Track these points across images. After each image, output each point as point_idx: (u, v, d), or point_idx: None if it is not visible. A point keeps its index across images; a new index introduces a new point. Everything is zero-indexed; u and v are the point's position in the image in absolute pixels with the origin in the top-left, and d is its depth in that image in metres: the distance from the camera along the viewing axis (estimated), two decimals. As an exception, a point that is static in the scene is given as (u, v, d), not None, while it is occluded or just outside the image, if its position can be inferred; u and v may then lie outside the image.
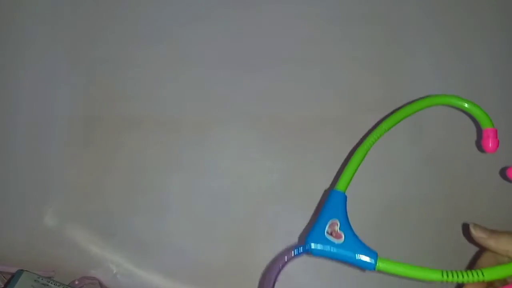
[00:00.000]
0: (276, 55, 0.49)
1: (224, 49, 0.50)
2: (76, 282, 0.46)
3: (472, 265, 0.41)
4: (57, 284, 0.44)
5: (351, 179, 0.36)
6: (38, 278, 0.43)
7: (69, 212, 0.48)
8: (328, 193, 0.35)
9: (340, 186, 0.35)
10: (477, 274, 0.31)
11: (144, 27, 0.50)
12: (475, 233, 0.37)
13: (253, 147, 0.49)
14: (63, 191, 0.49)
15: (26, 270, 0.44)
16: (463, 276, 0.31)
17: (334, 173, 0.49)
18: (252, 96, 0.49)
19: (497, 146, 0.36)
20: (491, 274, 0.31)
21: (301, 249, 0.33)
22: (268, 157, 0.49)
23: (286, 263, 0.33)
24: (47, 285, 0.43)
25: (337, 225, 0.33)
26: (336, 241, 0.32)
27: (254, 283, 0.49)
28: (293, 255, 0.33)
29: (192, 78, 0.50)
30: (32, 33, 0.50)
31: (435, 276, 0.31)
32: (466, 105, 0.38)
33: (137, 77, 0.49)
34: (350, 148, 0.47)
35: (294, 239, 0.49)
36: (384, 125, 0.38)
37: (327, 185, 0.48)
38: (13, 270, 0.44)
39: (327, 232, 0.33)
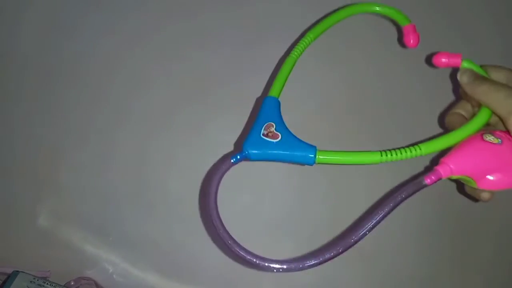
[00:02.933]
0: (271, 56, 0.49)
1: (219, 48, 0.50)
2: (72, 283, 0.46)
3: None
4: (53, 284, 0.44)
5: (283, 86, 0.35)
6: (34, 278, 0.43)
7: (64, 213, 0.48)
8: (262, 100, 0.34)
9: (273, 93, 0.34)
10: (415, 149, 0.31)
11: (143, 27, 0.50)
12: (459, 77, 0.34)
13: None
14: (58, 192, 0.49)
15: (22, 271, 0.44)
16: (401, 154, 0.31)
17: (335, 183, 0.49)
18: (246, 94, 0.49)
19: (418, 40, 0.37)
20: (428, 148, 0.31)
21: (238, 156, 0.31)
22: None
23: (224, 172, 0.32)
24: (43, 285, 0.43)
25: (273, 126, 0.32)
26: (273, 140, 0.32)
27: (250, 281, 0.50)
28: (231, 162, 0.32)
29: (188, 78, 0.49)
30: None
31: (375, 158, 0.31)
32: (377, 8, 0.39)
33: (132, 76, 0.49)
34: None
35: (289, 237, 0.49)
36: (310, 35, 0.38)
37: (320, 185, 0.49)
38: (9, 270, 0.44)
39: (263, 134, 0.32)
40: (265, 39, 0.49)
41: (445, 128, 0.37)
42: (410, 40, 0.37)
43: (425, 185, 0.30)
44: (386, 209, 0.29)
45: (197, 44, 0.49)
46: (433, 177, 0.30)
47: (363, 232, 0.29)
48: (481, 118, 0.32)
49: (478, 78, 0.33)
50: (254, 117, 0.33)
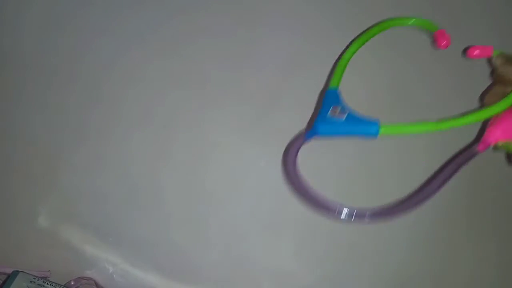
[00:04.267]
0: (271, 56, 0.49)
1: (219, 48, 0.49)
2: (72, 283, 0.46)
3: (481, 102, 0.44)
4: (53, 284, 0.44)
5: (341, 76, 0.40)
6: (34, 278, 0.44)
7: (64, 213, 0.48)
8: (324, 94, 0.39)
9: (333, 84, 0.39)
10: (463, 119, 0.35)
11: (140, 27, 0.49)
12: (494, 60, 0.40)
13: (248, 146, 0.48)
14: (58, 192, 0.49)
15: (22, 271, 0.44)
16: (454, 122, 0.35)
17: (332, 173, 0.49)
18: (247, 95, 0.49)
19: (449, 40, 0.40)
20: (475, 116, 0.35)
21: (309, 133, 0.36)
22: (262, 157, 0.49)
23: (298, 149, 0.37)
24: (43, 285, 0.43)
25: (338, 109, 0.37)
26: (339, 119, 0.36)
27: (250, 281, 0.50)
28: (304, 140, 0.37)
29: (186, 77, 0.49)
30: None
31: (430, 126, 0.35)
32: (409, 22, 0.43)
33: (129, 76, 0.49)
34: (343, 156, 0.47)
35: (289, 237, 0.49)
36: (363, 37, 0.42)
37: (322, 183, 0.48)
38: (9, 270, 0.44)
39: (330, 115, 0.37)
40: (265, 37, 0.49)
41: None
42: (442, 42, 0.40)
43: (477, 152, 0.35)
44: (443, 177, 0.34)
45: (196, 43, 0.49)
46: (484, 143, 0.35)
47: (422, 199, 0.35)
48: None
49: (510, 59, 0.39)
50: (319, 107, 0.38)
